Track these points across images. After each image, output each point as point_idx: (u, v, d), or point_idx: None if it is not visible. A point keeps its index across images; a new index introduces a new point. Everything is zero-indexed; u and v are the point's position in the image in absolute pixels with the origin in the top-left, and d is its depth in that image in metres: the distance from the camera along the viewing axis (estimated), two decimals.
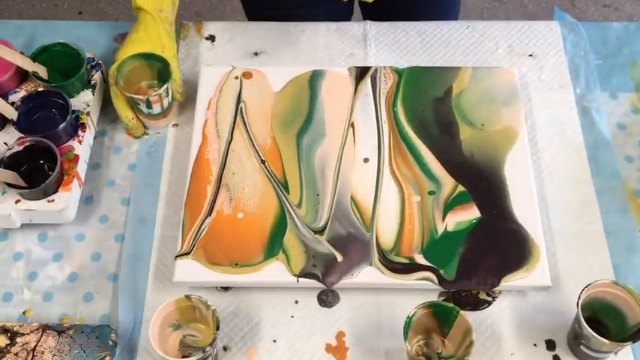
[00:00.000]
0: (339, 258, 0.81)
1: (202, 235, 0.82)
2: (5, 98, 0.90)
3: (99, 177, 0.91)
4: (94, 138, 0.92)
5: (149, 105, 0.89)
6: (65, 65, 0.91)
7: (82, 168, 0.87)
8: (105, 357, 0.76)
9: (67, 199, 0.83)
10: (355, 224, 0.83)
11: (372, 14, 1.08)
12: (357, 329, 0.79)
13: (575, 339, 0.75)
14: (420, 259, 0.81)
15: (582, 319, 0.71)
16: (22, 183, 0.83)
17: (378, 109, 0.92)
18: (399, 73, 0.95)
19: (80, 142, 0.88)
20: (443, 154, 0.88)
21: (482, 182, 0.86)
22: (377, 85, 0.94)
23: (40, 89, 0.91)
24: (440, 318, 0.75)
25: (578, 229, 0.85)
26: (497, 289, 0.80)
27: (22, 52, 0.92)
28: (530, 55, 1.00)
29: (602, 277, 0.75)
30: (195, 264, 0.80)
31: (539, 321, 0.79)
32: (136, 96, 0.88)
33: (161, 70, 0.90)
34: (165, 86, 0.88)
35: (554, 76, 0.98)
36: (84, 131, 0.89)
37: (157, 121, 0.92)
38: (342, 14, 1.14)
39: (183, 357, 0.75)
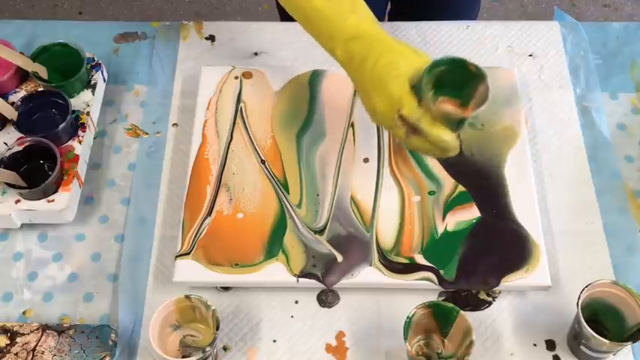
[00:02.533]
0: (339, 258, 0.81)
1: (202, 235, 0.82)
2: (5, 98, 0.90)
3: (99, 177, 0.91)
4: (94, 138, 0.92)
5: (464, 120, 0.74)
6: (65, 65, 0.91)
7: (82, 168, 0.87)
8: (105, 357, 0.76)
9: (67, 199, 0.83)
10: (355, 224, 0.83)
11: (397, 17, 1.08)
12: (357, 329, 0.79)
13: (575, 339, 0.75)
14: (420, 259, 0.81)
15: (582, 319, 0.71)
16: (22, 183, 0.83)
17: None
18: None
19: (80, 142, 0.88)
20: None
21: (482, 182, 0.86)
22: None
23: (40, 89, 0.91)
24: (440, 318, 0.75)
25: (578, 229, 0.85)
26: (497, 289, 0.80)
27: (22, 52, 0.92)
28: (530, 55, 1.00)
29: (602, 277, 0.75)
30: (195, 264, 0.80)
31: (539, 321, 0.79)
32: (480, 108, 0.71)
33: (441, 75, 0.73)
34: (487, 82, 0.72)
35: (554, 76, 0.98)
36: (84, 131, 0.89)
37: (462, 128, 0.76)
38: (377, 17, 1.16)
39: (183, 357, 0.75)
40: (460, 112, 0.72)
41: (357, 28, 0.73)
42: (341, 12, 0.73)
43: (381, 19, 1.21)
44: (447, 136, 0.73)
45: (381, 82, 0.73)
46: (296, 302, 0.81)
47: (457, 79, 0.72)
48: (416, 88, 0.72)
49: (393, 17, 1.27)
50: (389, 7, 1.26)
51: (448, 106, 0.72)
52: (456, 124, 0.73)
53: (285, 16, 1.19)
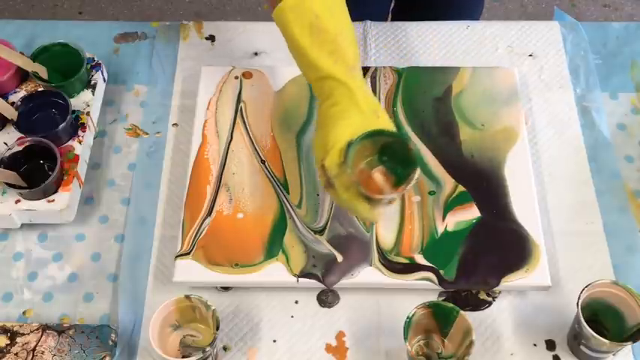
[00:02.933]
0: (339, 258, 0.81)
1: (202, 235, 0.82)
2: (5, 98, 0.90)
3: (99, 177, 0.91)
4: (94, 138, 0.92)
5: (395, 198, 0.75)
6: (65, 65, 0.91)
7: (82, 168, 0.87)
8: (105, 357, 0.76)
9: (67, 199, 0.83)
10: (355, 224, 0.83)
11: (400, 15, 1.09)
12: (357, 329, 0.79)
13: (575, 339, 0.75)
14: (420, 259, 0.81)
15: (582, 319, 0.71)
16: (22, 183, 0.83)
17: None
18: (398, 73, 0.95)
19: (80, 142, 0.88)
20: (443, 154, 0.88)
21: (482, 182, 0.86)
22: (377, 85, 0.94)
23: (40, 89, 0.91)
24: (440, 318, 0.75)
25: (578, 229, 0.85)
26: (497, 289, 0.80)
27: (22, 52, 0.92)
28: (530, 55, 1.00)
29: (602, 277, 0.75)
30: (195, 264, 0.80)
31: (539, 321, 0.79)
32: (389, 196, 0.73)
33: (389, 143, 0.74)
34: (416, 175, 0.72)
35: (554, 76, 0.98)
36: (84, 131, 0.89)
37: (391, 205, 0.78)
38: (381, 16, 1.16)
39: (183, 357, 0.75)
40: (368, 193, 0.72)
41: (329, 70, 0.74)
42: (320, 53, 0.74)
43: (384, 17, 1.21)
44: (357, 205, 0.73)
45: (326, 126, 0.74)
46: (296, 302, 0.81)
47: (402, 157, 0.74)
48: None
49: (396, 15, 1.27)
50: (392, 4, 1.26)
51: (361, 178, 0.73)
52: (372, 201, 0.73)
53: None
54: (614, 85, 0.98)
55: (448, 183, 0.86)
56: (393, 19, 1.21)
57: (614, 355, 0.76)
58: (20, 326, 0.78)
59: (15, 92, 0.92)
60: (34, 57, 0.91)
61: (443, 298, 0.80)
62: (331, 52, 0.74)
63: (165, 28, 1.03)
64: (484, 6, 1.24)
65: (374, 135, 0.73)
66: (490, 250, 0.81)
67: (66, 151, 0.87)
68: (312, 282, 0.79)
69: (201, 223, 0.83)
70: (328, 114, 0.74)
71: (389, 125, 0.75)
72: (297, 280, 0.80)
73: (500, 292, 0.81)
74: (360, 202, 0.73)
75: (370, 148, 0.74)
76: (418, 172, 0.72)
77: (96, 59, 0.95)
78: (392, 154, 0.74)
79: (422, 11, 1.12)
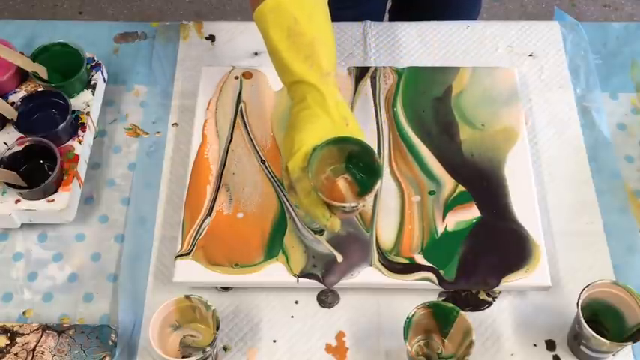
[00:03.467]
0: (339, 258, 0.81)
1: (202, 235, 0.82)
2: (5, 98, 0.90)
3: (99, 177, 0.91)
4: (94, 138, 0.92)
5: (356, 207, 0.74)
6: (65, 65, 0.91)
7: (82, 168, 0.87)
8: (105, 357, 0.76)
9: (67, 199, 0.83)
10: (355, 224, 0.83)
11: (398, 14, 1.09)
12: (357, 329, 0.79)
13: (575, 339, 0.75)
14: (420, 259, 0.80)
15: (582, 319, 0.71)
16: (22, 183, 0.83)
17: (378, 109, 0.92)
18: (398, 73, 0.95)
19: (80, 142, 0.88)
20: (443, 154, 0.88)
21: (482, 182, 0.86)
22: (377, 85, 0.94)
23: (40, 89, 0.91)
24: (440, 318, 0.75)
25: (578, 229, 0.85)
26: (497, 289, 0.80)
27: (22, 52, 0.92)
28: (530, 55, 1.00)
29: (602, 277, 0.75)
30: (195, 264, 0.80)
31: (539, 321, 0.79)
32: (349, 204, 0.72)
33: (356, 152, 0.74)
34: (378, 185, 0.72)
35: (554, 76, 0.98)
36: (84, 131, 0.89)
37: (352, 214, 0.78)
38: (378, 15, 1.16)
39: (183, 357, 0.75)
40: (327, 200, 0.71)
41: (303, 74, 0.74)
42: (295, 57, 0.75)
43: (380, 16, 1.21)
44: (317, 212, 0.73)
45: (294, 129, 0.74)
46: (296, 302, 0.81)
47: (367, 167, 0.74)
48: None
49: (393, 15, 1.27)
50: (389, 4, 1.26)
51: (325, 185, 0.73)
52: (335, 208, 0.73)
53: None
54: (614, 85, 0.98)
55: (448, 183, 0.86)
56: (390, 19, 1.21)
57: (614, 355, 0.76)
58: (20, 326, 0.78)
59: (15, 92, 0.92)
60: (34, 57, 0.91)
61: (443, 298, 0.80)
62: (307, 57, 0.75)
63: (165, 28, 1.03)
64: (482, 6, 1.24)
65: (340, 142, 0.73)
66: (490, 250, 0.81)
67: (66, 151, 0.87)
68: (312, 282, 0.79)
69: (201, 223, 0.83)
70: (298, 117, 0.75)
71: (358, 134, 0.75)
72: (297, 280, 0.80)
73: (500, 292, 0.81)
74: (320, 208, 0.73)
75: (337, 156, 0.74)
76: (380, 182, 0.72)
77: (96, 59, 0.95)
78: (358, 164, 0.75)
79: (419, 11, 1.13)
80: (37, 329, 0.78)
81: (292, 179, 0.73)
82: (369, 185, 0.73)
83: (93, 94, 0.92)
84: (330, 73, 0.76)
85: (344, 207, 0.73)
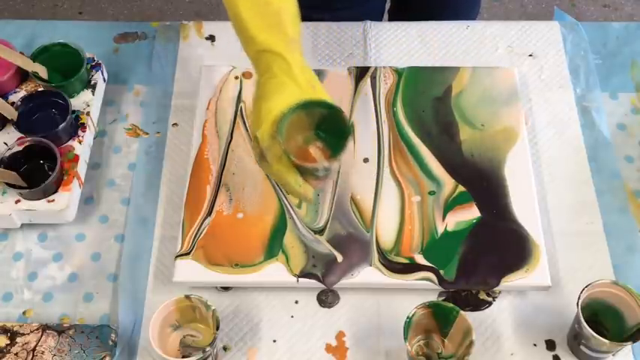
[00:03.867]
0: (339, 258, 0.81)
1: (202, 235, 0.82)
2: (5, 98, 0.90)
3: (99, 177, 0.91)
4: (94, 138, 0.92)
5: (328, 168, 0.73)
6: (65, 65, 0.91)
7: (82, 168, 0.87)
8: (105, 357, 0.76)
9: (67, 199, 0.83)
10: (355, 224, 0.83)
11: (397, 14, 1.09)
12: (357, 329, 0.79)
13: (575, 339, 0.75)
14: (420, 259, 0.81)
15: (582, 319, 0.71)
16: (22, 183, 0.83)
17: (378, 109, 0.92)
18: (398, 73, 0.95)
19: (80, 142, 0.88)
20: (443, 154, 0.88)
21: (482, 182, 0.86)
22: (376, 85, 0.94)
23: (40, 89, 0.91)
24: (440, 318, 0.75)
25: (578, 229, 0.85)
26: (497, 289, 0.80)
27: (22, 52, 0.92)
28: (530, 55, 1.00)
29: (602, 277, 0.75)
30: (195, 264, 0.80)
31: (539, 321, 0.79)
32: (321, 165, 0.72)
33: (325, 116, 0.74)
34: (349, 143, 0.72)
35: (554, 76, 0.98)
36: (84, 131, 0.89)
37: (325, 180, 0.77)
38: (376, 15, 1.16)
39: (183, 357, 0.75)
40: (298, 162, 0.71)
41: (268, 43, 0.74)
42: (260, 26, 0.74)
43: (379, 16, 1.21)
44: (289, 178, 0.73)
45: (261, 98, 0.74)
46: (296, 302, 0.81)
47: (338, 130, 0.73)
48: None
49: (392, 16, 1.27)
50: (388, 5, 1.26)
51: (297, 153, 0.72)
52: (307, 172, 0.72)
53: None
54: (614, 85, 0.98)
55: (448, 183, 0.86)
56: (389, 19, 1.21)
57: (614, 355, 0.76)
58: (20, 326, 0.78)
59: (15, 92, 0.92)
60: (34, 57, 0.91)
61: (443, 298, 0.80)
62: (271, 26, 0.74)
63: (165, 28, 1.03)
64: (482, 6, 1.24)
65: (308, 106, 0.72)
66: (490, 250, 0.81)
67: (66, 151, 0.87)
68: (312, 282, 0.79)
69: (201, 223, 0.83)
70: (265, 87, 0.74)
71: (325, 98, 0.74)
72: (297, 280, 0.80)
73: (500, 292, 0.81)
74: (292, 174, 0.73)
75: (306, 122, 0.73)
76: (351, 140, 0.71)
77: (96, 59, 0.95)
78: (328, 129, 0.74)
79: (418, 12, 1.13)
80: (37, 329, 0.78)
81: (263, 147, 0.72)
82: (340, 149, 0.72)
83: (93, 94, 0.92)
84: (295, 40, 0.75)
85: (316, 168, 0.72)
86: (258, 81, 0.76)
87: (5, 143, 0.87)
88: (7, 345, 0.77)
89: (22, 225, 0.85)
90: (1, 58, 0.88)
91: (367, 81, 0.94)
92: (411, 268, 0.80)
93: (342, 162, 0.82)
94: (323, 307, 0.81)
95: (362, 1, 1.12)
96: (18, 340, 0.77)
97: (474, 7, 1.21)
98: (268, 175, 0.77)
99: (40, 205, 0.83)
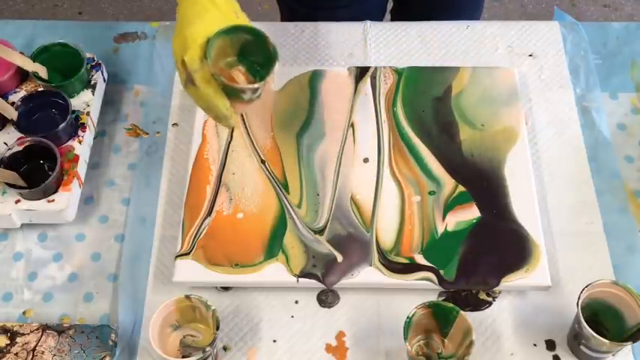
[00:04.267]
0: (339, 258, 0.81)
1: (202, 235, 0.82)
2: (5, 98, 0.90)
3: (99, 177, 0.91)
4: (94, 138, 0.92)
5: (256, 90, 0.74)
6: (65, 65, 0.91)
7: (82, 168, 0.87)
8: (105, 357, 0.76)
9: (67, 199, 0.83)
10: (355, 224, 0.83)
11: (399, 14, 1.09)
12: (357, 329, 0.79)
13: (575, 339, 0.75)
14: (420, 259, 0.81)
15: (582, 319, 0.71)
16: (22, 183, 0.83)
17: (378, 109, 0.92)
18: (398, 73, 0.95)
19: (80, 142, 0.88)
20: (443, 154, 0.88)
21: (482, 182, 0.86)
22: (376, 85, 0.94)
23: (40, 89, 0.91)
24: (440, 318, 0.75)
25: (578, 229, 0.85)
26: (497, 289, 0.80)
27: (22, 52, 0.92)
28: (530, 55, 1.00)
29: (602, 277, 0.75)
30: (195, 264, 0.80)
31: (539, 321, 0.79)
32: (251, 85, 0.73)
33: (248, 44, 0.75)
34: (274, 67, 0.73)
35: (554, 76, 0.98)
36: (84, 131, 0.89)
37: (249, 104, 0.77)
38: (377, 14, 1.16)
39: (183, 357, 0.75)
40: (228, 82, 0.72)
41: None
42: None
43: (380, 16, 1.21)
44: (217, 100, 0.73)
45: (185, 25, 0.73)
46: (296, 302, 0.81)
47: (261, 57, 0.74)
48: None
49: (395, 15, 1.27)
50: (390, 5, 1.26)
51: (222, 72, 0.73)
52: (235, 95, 0.74)
53: (285, 16, 1.19)
54: (614, 85, 0.98)
55: (448, 183, 0.86)
56: (392, 19, 1.21)
57: (614, 355, 0.76)
58: (20, 326, 0.78)
59: (15, 92, 0.92)
60: (34, 57, 0.91)
61: (443, 298, 0.80)
62: None
63: (165, 28, 1.03)
64: (484, 7, 1.24)
65: (233, 31, 0.73)
66: (490, 250, 0.81)
67: (66, 151, 0.87)
68: (312, 282, 0.79)
69: (201, 223, 0.83)
70: (187, 13, 0.74)
71: (248, 25, 0.75)
72: (297, 280, 0.80)
73: (500, 292, 0.81)
74: (220, 97, 0.73)
75: (229, 48, 0.74)
76: (278, 64, 0.72)
77: (96, 59, 0.95)
78: (251, 55, 0.75)
79: (421, 11, 1.13)
80: (37, 329, 0.78)
81: (191, 70, 0.72)
82: (264, 75, 0.73)
83: (93, 94, 0.92)
84: None
85: (243, 90, 0.73)
86: (178, 9, 0.76)
87: (5, 143, 0.87)
88: (7, 345, 0.77)
89: (22, 225, 0.85)
90: (1, 58, 0.88)
91: (367, 81, 0.94)
92: (411, 268, 0.80)
93: (342, 162, 0.85)
94: (323, 307, 0.81)
95: (363, 0, 1.12)
96: (18, 340, 0.77)
97: (477, 7, 1.21)
98: (195, 99, 0.76)
99: (40, 205, 0.83)
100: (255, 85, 0.73)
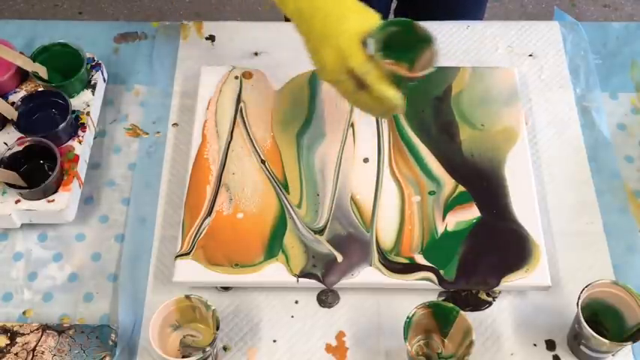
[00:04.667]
0: (339, 258, 0.81)
1: (202, 235, 0.82)
2: (5, 98, 0.90)
3: (99, 177, 0.91)
4: (94, 138, 0.92)
5: (417, 79, 0.76)
6: (65, 65, 0.91)
7: (82, 168, 0.87)
8: (105, 357, 0.76)
9: (67, 199, 0.83)
10: (355, 224, 0.83)
11: (402, 15, 1.10)
12: (357, 329, 0.79)
13: (575, 339, 0.75)
14: (420, 259, 0.81)
15: (582, 319, 0.71)
16: (22, 183, 0.83)
17: None
18: None
19: (80, 142, 0.88)
20: (443, 154, 0.88)
21: (482, 182, 0.86)
22: None
23: (40, 89, 0.91)
24: (440, 318, 0.75)
25: (578, 229, 0.85)
26: (497, 289, 0.80)
27: (22, 52, 0.92)
28: (530, 55, 1.00)
29: (602, 277, 0.75)
30: (195, 264, 0.80)
31: (539, 321, 0.79)
32: (426, 72, 0.75)
33: (389, 38, 0.75)
34: (435, 45, 0.75)
35: (554, 76, 0.98)
36: (84, 131, 0.89)
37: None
38: (382, 14, 1.17)
39: (183, 357, 0.75)
40: (407, 72, 0.74)
41: None
42: None
43: (385, 16, 1.21)
44: (392, 93, 0.74)
45: (330, 37, 0.73)
46: (296, 302, 0.81)
47: (406, 42, 0.75)
48: (364, 45, 0.73)
49: (398, 15, 1.27)
50: (394, 4, 1.26)
51: (395, 67, 0.74)
52: (402, 86, 0.75)
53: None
54: (614, 85, 0.98)
55: (448, 183, 0.86)
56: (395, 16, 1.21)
57: (614, 355, 0.76)
58: (20, 326, 0.78)
59: (15, 92, 0.92)
60: (34, 57, 0.91)
61: (443, 298, 0.80)
62: None
63: (165, 28, 1.03)
64: (486, 7, 1.24)
65: (385, 27, 0.74)
66: (490, 250, 0.81)
67: (66, 151, 0.87)
68: (312, 282, 0.79)
69: (201, 223, 0.83)
70: (326, 26, 0.74)
71: (378, 16, 0.76)
72: (297, 280, 0.80)
73: (500, 292, 0.81)
74: (393, 90, 0.74)
75: (378, 43, 0.74)
76: (436, 45, 0.74)
77: (96, 59, 0.95)
78: (397, 46, 0.75)
79: (425, 12, 1.13)
80: (37, 329, 0.78)
81: (362, 73, 0.73)
82: (414, 59, 0.75)
83: (93, 94, 0.92)
84: None
85: (417, 77, 0.75)
86: (308, 28, 0.75)
87: (5, 143, 0.87)
88: (7, 345, 0.77)
89: (22, 225, 0.85)
90: (1, 58, 0.88)
91: None
92: (411, 268, 0.80)
93: (342, 162, 0.86)
94: (323, 307, 0.81)
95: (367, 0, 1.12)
96: (18, 340, 0.77)
97: (480, 7, 1.21)
98: (364, 102, 0.77)
99: (40, 205, 0.83)
100: (431, 70, 0.74)
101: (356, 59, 0.72)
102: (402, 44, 0.75)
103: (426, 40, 0.75)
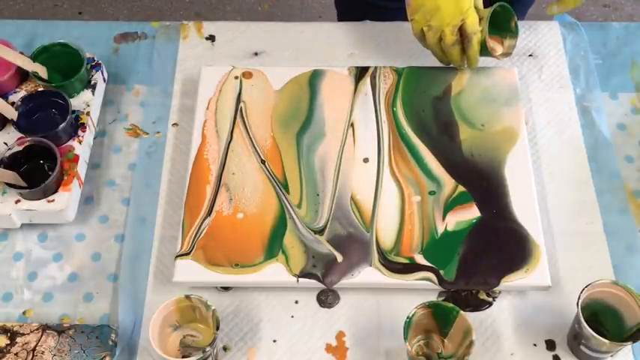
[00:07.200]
0: (339, 258, 0.81)
1: (202, 235, 0.82)
2: (5, 98, 0.90)
3: (99, 177, 0.91)
4: (94, 138, 0.92)
5: (496, 57, 0.93)
6: (65, 65, 0.91)
7: (82, 168, 0.87)
8: (105, 357, 0.76)
9: (67, 199, 0.83)
10: (355, 224, 0.83)
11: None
12: (357, 329, 0.79)
13: (575, 339, 0.75)
14: (420, 259, 0.81)
15: (582, 319, 0.71)
16: (22, 183, 0.83)
17: (378, 109, 0.92)
18: (398, 72, 0.95)
19: (80, 142, 0.88)
20: (443, 154, 0.88)
21: (482, 182, 0.86)
22: (376, 85, 0.94)
23: (40, 89, 0.91)
24: (440, 318, 0.75)
25: (578, 229, 0.85)
26: (497, 289, 0.80)
27: (22, 52, 0.92)
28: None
29: (602, 277, 0.75)
30: (195, 264, 0.80)
31: (539, 321, 0.79)
32: (507, 50, 0.94)
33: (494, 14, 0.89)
34: (515, 18, 0.92)
35: (554, 76, 0.98)
36: (84, 131, 0.89)
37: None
38: None
39: (183, 357, 0.75)
40: (498, 50, 0.93)
41: None
42: None
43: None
44: (478, 58, 0.91)
45: None
46: (296, 302, 0.81)
47: (498, 25, 0.91)
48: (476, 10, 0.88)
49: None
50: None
51: (490, 41, 0.90)
52: (482, 55, 0.91)
53: (342, 17, 1.20)
54: (614, 85, 0.98)
55: (448, 183, 0.86)
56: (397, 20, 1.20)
57: (613, 355, 0.76)
58: (20, 326, 0.78)
59: (15, 92, 0.92)
60: (34, 57, 0.91)
61: (443, 298, 0.80)
62: None
63: (165, 28, 1.03)
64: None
65: (497, 6, 0.89)
66: (490, 250, 0.81)
67: (66, 151, 0.87)
68: (312, 282, 0.79)
69: (201, 223, 0.83)
70: None
71: None
72: (297, 280, 0.80)
73: (500, 292, 0.81)
74: (478, 55, 0.90)
75: (488, 17, 0.89)
76: (517, 40, 0.93)
77: (96, 59, 0.95)
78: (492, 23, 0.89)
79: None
80: (37, 329, 0.78)
81: (472, 32, 0.87)
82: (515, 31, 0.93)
83: (93, 94, 0.92)
84: None
85: (498, 57, 0.93)
86: None
87: (5, 143, 0.87)
88: (7, 345, 0.77)
89: (22, 225, 0.85)
90: (1, 58, 0.88)
91: (367, 81, 0.94)
92: (411, 268, 0.80)
93: (342, 162, 0.87)
94: (323, 307, 0.81)
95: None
96: (18, 340, 0.77)
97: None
98: (442, 55, 0.92)
99: (40, 205, 0.83)
100: (507, 56, 0.94)
101: (472, 18, 0.87)
102: (494, 25, 0.90)
103: (512, 31, 0.92)
